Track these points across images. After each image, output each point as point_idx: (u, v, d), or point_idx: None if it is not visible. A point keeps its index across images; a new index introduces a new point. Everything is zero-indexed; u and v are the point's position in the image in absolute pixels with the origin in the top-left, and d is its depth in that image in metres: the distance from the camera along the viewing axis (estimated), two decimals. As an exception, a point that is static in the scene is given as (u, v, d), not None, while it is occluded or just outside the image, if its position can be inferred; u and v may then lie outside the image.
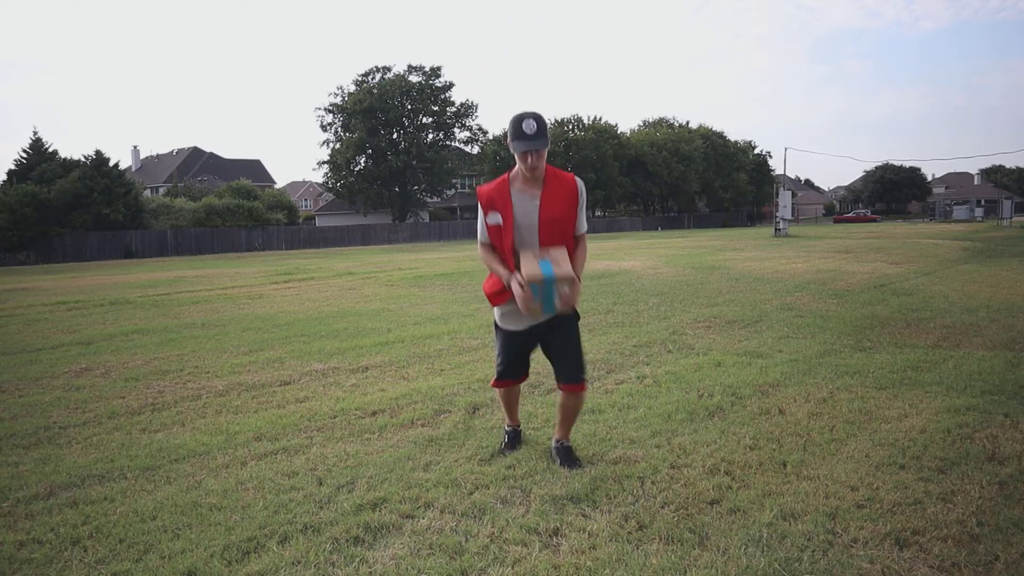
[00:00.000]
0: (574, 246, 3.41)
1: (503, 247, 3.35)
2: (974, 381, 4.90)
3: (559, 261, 3.20)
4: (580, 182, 3.40)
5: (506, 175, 3.40)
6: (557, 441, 3.62)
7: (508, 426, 3.89)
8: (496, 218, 3.33)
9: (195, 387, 5.42)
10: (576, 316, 3.51)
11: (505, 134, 3.25)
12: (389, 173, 49.28)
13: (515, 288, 3.20)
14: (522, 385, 3.90)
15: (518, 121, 3.20)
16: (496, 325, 3.63)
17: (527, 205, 3.31)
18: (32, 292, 14.39)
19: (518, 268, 3.28)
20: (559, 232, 3.31)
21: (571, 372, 3.45)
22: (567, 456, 3.54)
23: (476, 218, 3.36)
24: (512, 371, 3.65)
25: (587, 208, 3.71)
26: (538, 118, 3.19)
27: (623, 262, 16.57)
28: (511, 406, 3.83)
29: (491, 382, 3.77)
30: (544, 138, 3.19)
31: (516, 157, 3.26)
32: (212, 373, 5.91)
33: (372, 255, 28.53)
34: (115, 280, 17.61)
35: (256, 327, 8.37)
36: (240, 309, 10.27)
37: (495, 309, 3.59)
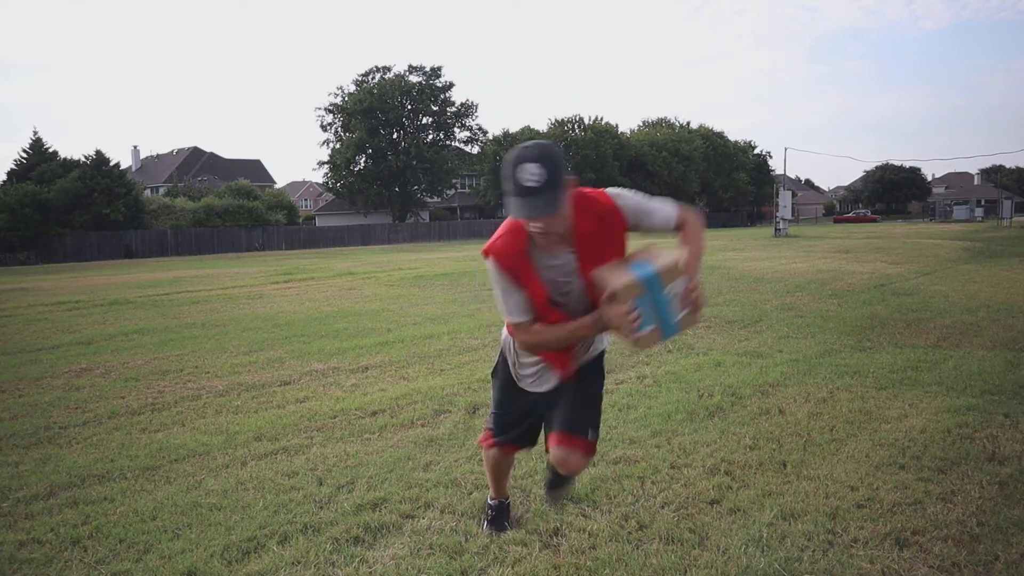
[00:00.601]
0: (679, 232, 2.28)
1: (555, 319, 2.26)
2: (974, 381, 4.90)
3: (657, 255, 2.16)
4: (616, 197, 2.25)
5: (519, 225, 2.18)
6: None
7: (492, 499, 2.90)
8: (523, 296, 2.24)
9: (195, 387, 5.42)
10: (601, 374, 2.56)
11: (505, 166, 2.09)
12: (389, 173, 49.29)
13: (608, 314, 2.10)
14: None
15: (514, 164, 2.02)
16: (496, 373, 2.64)
17: (559, 269, 2.23)
18: (32, 292, 14.39)
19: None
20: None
21: (575, 422, 2.40)
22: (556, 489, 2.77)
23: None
24: (519, 436, 2.65)
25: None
26: (545, 158, 2.00)
27: (623, 262, 16.56)
28: (500, 475, 2.83)
29: (481, 439, 2.73)
30: (554, 194, 2.01)
31: None
32: (212, 373, 5.91)
33: (372, 255, 28.53)
34: (115, 280, 17.61)
35: (256, 327, 8.37)
36: (240, 309, 10.27)
37: (508, 356, 2.55)
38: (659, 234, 2.29)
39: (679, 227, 2.26)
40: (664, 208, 2.26)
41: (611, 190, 2.28)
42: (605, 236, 2.22)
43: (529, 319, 2.26)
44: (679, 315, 2.14)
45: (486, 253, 2.25)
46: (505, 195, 2.08)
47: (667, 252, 2.16)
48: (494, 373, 2.67)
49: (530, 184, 1.99)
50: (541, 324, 2.26)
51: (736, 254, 19.01)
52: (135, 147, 69.30)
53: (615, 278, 2.08)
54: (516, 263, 2.21)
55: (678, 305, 2.13)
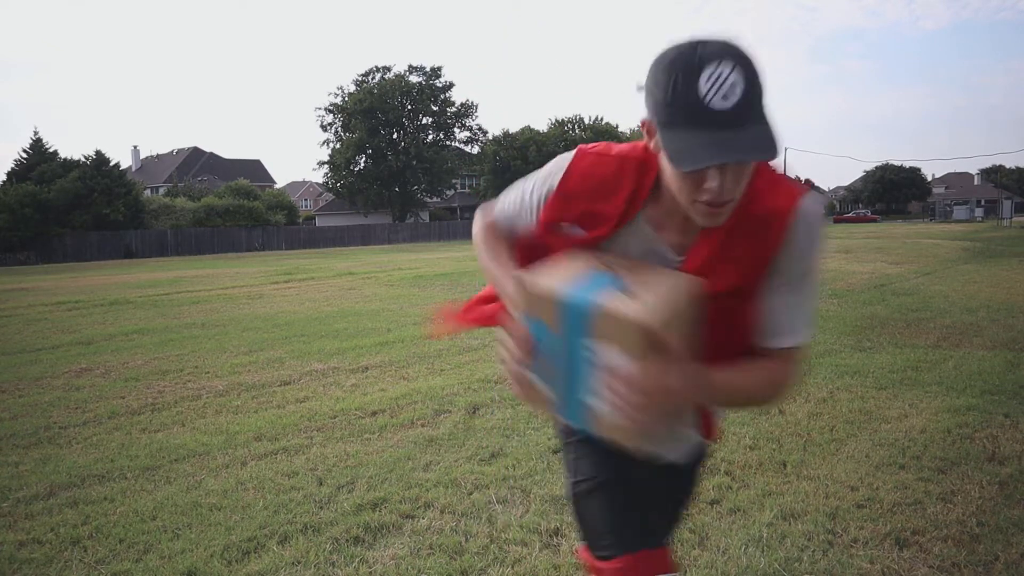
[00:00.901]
0: (754, 357, 1.27)
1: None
2: (974, 381, 4.90)
3: (639, 292, 1.15)
4: (802, 214, 1.19)
5: (640, 162, 1.31)
6: None
7: None
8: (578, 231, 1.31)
9: (195, 387, 5.42)
10: (705, 454, 1.53)
11: (643, 89, 1.19)
12: (389, 173, 49.34)
13: (503, 318, 1.35)
14: None
15: (684, 67, 1.05)
16: (567, 440, 1.51)
17: (653, 255, 1.29)
18: (32, 292, 14.39)
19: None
20: (726, 322, 1.25)
21: (665, 531, 1.53)
22: None
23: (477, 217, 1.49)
24: (636, 534, 1.37)
25: None
26: (742, 60, 1.04)
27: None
28: None
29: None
30: (765, 125, 1.06)
31: (672, 170, 1.15)
32: (212, 373, 5.91)
33: (372, 255, 28.53)
34: (115, 280, 17.61)
35: (256, 327, 8.37)
36: (240, 309, 10.27)
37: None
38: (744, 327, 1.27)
39: (770, 354, 1.26)
40: (802, 313, 1.25)
41: (805, 199, 1.21)
42: (745, 249, 1.21)
43: (504, 230, 1.46)
44: (593, 397, 1.18)
45: (576, 150, 1.35)
46: (657, 119, 1.15)
47: (659, 297, 1.15)
48: (567, 445, 1.51)
49: (726, 104, 1.03)
50: (501, 238, 1.46)
51: (736, 254, 19.00)
52: (135, 147, 69.37)
53: (543, 274, 1.24)
54: (601, 210, 1.28)
55: (597, 384, 1.16)
